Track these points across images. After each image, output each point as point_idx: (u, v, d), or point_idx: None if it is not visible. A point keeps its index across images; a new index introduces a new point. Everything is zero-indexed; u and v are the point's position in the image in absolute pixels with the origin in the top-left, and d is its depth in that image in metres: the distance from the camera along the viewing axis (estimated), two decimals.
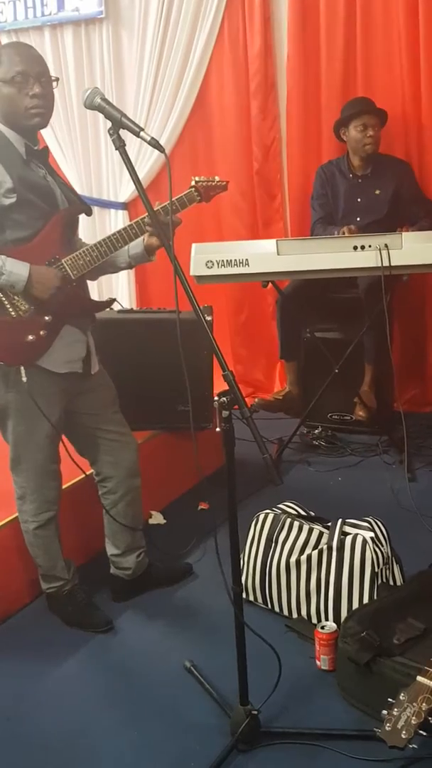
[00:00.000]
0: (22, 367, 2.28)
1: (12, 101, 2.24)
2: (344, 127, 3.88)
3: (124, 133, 1.99)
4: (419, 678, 1.84)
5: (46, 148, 2.41)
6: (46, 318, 2.29)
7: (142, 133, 1.91)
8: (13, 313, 2.25)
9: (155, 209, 2.23)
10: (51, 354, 2.33)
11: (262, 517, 2.66)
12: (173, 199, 2.37)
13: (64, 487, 2.63)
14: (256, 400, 4.19)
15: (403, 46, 3.86)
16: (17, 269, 2.20)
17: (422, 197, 3.92)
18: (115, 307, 3.46)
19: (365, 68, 4.01)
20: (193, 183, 2.51)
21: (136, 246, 2.47)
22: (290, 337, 3.99)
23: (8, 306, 2.24)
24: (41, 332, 2.29)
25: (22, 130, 2.29)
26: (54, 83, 2.30)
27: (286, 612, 2.56)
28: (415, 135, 3.98)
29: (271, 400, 4.18)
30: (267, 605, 2.60)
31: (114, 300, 2.60)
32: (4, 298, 2.24)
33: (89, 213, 2.49)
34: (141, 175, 4.30)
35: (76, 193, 2.49)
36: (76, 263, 2.32)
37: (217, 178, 2.58)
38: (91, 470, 2.66)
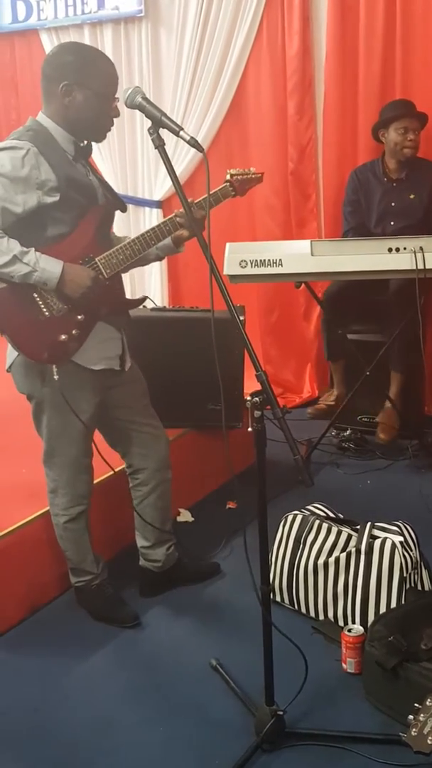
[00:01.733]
0: (53, 365, 2.30)
1: (96, 114, 2.28)
2: (384, 129, 3.85)
3: (163, 132, 2.00)
4: None
5: (90, 145, 2.42)
6: (79, 317, 2.31)
7: (181, 133, 1.93)
8: (47, 313, 2.27)
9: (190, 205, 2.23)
10: (86, 351, 2.35)
11: (290, 517, 2.66)
12: (207, 208, 2.37)
13: (96, 481, 2.65)
14: (309, 410, 4.17)
15: None
16: (50, 266, 2.21)
17: None
18: (148, 304, 3.49)
19: (404, 70, 3.97)
20: (228, 177, 2.50)
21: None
22: (335, 336, 3.97)
23: (42, 306, 2.26)
24: (74, 331, 2.31)
25: (78, 134, 2.32)
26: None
27: (312, 614, 2.56)
28: None
29: (323, 407, 4.14)
30: (294, 606, 2.60)
31: (146, 298, 2.62)
32: (38, 298, 2.25)
33: (124, 209, 2.51)
34: (177, 172, 4.31)
35: (113, 191, 2.51)
36: (110, 261, 2.33)
37: (252, 170, 2.58)
38: (120, 467, 2.68)
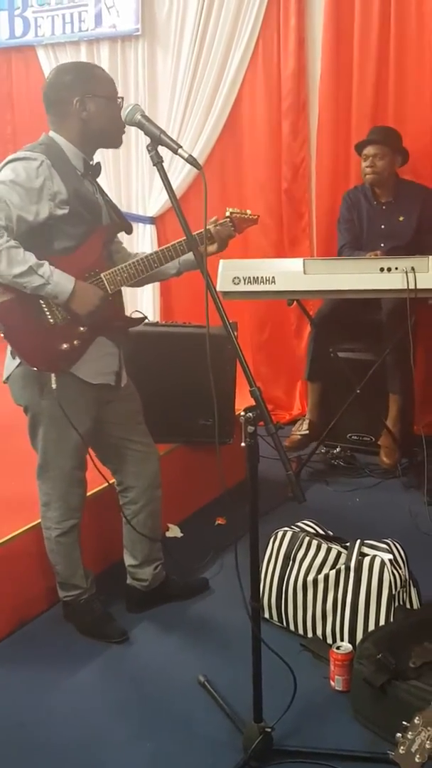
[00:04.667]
0: (52, 375, 2.31)
1: (110, 117, 2.32)
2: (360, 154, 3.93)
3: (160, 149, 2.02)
4: None
5: (99, 165, 2.46)
6: (81, 328, 2.33)
7: (180, 151, 1.95)
8: (51, 320, 2.30)
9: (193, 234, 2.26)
10: (85, 364, 2.36)
11: (280, 534, 2.66)
12: (207, 227, 2.43)
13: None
14: (286, 442, 4.09)
15: None
16: (63, 281, 2.24)
17: None
18: None
19: (396, 94, 4.02)
20: (228, 214, 2.55)
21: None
22: (320, 357, 3.98)
23: (47, 312, 2.29)
24: (75, 342, 2.33)
25: (89, 146, 2.37)
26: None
27: (301, 631, 2.55)
28: None
29: (298, 437, 4.12)
30: (282, 623, 2.60)
31: (145, 318, 2.64)
32: (44, 304, 2.28)
33: (129, 231, 2.55)
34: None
35: (120, 212, 2.55)
36: (114, 278, 2.37)
37: (249, 212, 2.64)
38: (113, 480, 2.68)
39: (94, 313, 2.32)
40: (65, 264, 2.27)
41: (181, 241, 2.39)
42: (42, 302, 2.28)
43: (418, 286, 3.15)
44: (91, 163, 2.40)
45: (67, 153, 2.33)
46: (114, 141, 2.41)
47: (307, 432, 4.08)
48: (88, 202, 2.35)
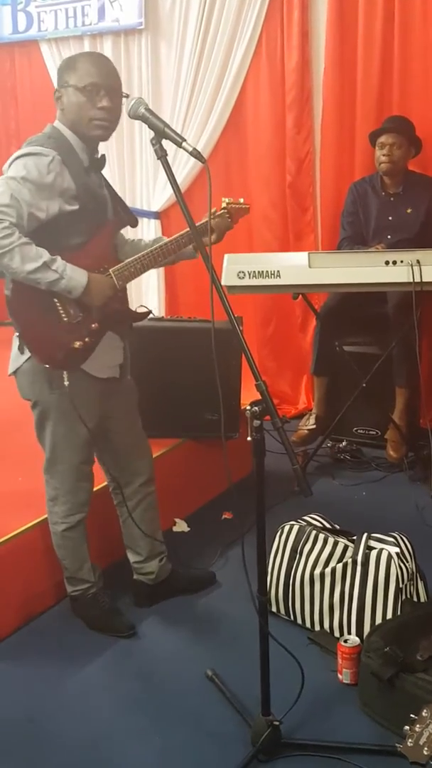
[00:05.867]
0: (65, 372, 2.31)
1: (80, 110, 2.28)
2: (373, 146, 3.90)
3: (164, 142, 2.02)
4: None
5: (103, 157, 2.44)
6: (93, 325, 2.33)
7: (184, 144, 1.94)
8: (65, 318, 2.29)
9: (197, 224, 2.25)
10: (94, 359, 2.36)
11: (287, 528, 2.67)
12: (209, 219, 2.41)
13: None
14: (293, 437, 4.09)
15: None
16: (77, 276, 2.24)
17: None
18: None
19: (401, 86, 4.00)
20: (224, 205, 2.55)
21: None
22: (326, 351, 3.97)
23: (62, 311, 2.29)
24: (87, 339, 2.33)
25: (84, 138, 2.33)
26: (123, 98, 2.33)
27: (308, 624, 2.56)
28: None
29: (305, 432, 4.11)
30: (290, 617, 2.60)
31: (150, 312, 2.64)
32: (58, 303, 2.28)
33: (134, 224, 2.53)
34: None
35: (125, 205, 2.53)
36: (122, 273, 2.36)
37: (242, 201, 2.63)
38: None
39: (108, 305, 2.33)
40: (76, 259, 2.26)
41: (183, 234, 2.38)
42: (56, 300, 2.27)
43: (424, 279, 3.14)
44: (96, 156, 2.39)
45: (73, 145, 2.31)
46: (87, 132, 2.31)
47: (314, 426, 4.08)
48: (95, 197, 2.34)
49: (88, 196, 2.30)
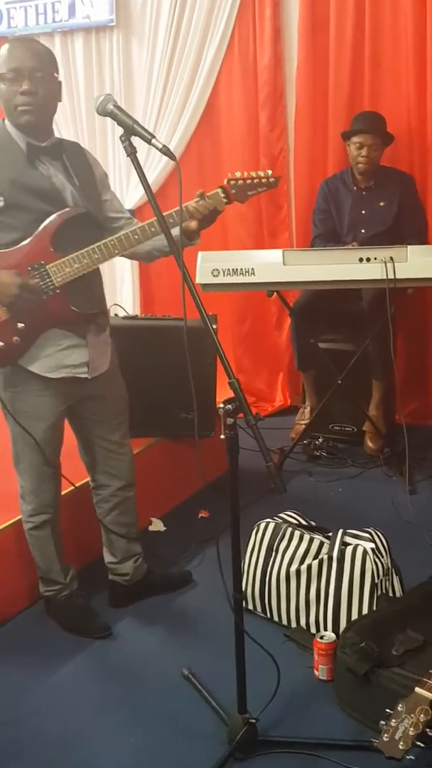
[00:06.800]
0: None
1: (5, 98, 2.22)
2: (347, 141, 3.90)
3: (135, 140, 2.00)
4: (417, 689, 1.85)
5: (57, 144, 2.34)
6: (20, 325, 2.27)
7: (153, 141, 1.93)
8: None
9: (169, 212, 2.20)
10: (40, 359, 2.32)
11: (263, 525, 2.66)
12: (188, 203, 2.29)
13: (66, 490, 2.64)
14: (291, 434, 4.11)
15: (410, 64, 3.90)
16: None
17: (416, 214, 3.91)
18: (120, 313, 3.49)
19: (373, 83, 4.03)
20: (225, 182, 2.30)
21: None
22: (306, 347, 3.98)
23: None
24: (14, 338, 2.28)
25: (19, 127, 2.26)
26: (57, 77, 2.27)
27: (285, 621, 2.56)
28: (419, 151, 4.01)
29: (302, 427, 4.11)
30: (266, 614, 2.60)
31: (98, 312, 2.44)
32: None
33: (95, 217, 2.37)
34: (149, 181, 4.32)
35: (93, 195, 2.40)
36: (62, 270, 2.25)
37: (265, 173, 2.31)
38: (82, 481, 2.68)
39: (17, 302, 2.23)
40: (7, 257, 2.22)
41: (148, 222, 2.25)
42: None
43: (397, 276, 3.16)
44: (39, 144, 2.28)
45: (11, 135, 2.26)
46: (16, 120, 2.23)
47: (310, 420, 4.08)
48: (36, 190, 2.24)
49: (21, 189, 2.22)
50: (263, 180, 2.30)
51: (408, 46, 3.89)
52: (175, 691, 2.29)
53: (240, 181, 2.29)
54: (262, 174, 2.31)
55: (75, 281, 2.28)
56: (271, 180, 2.30)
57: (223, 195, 2.29)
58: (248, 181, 2.29)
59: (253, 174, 2.30)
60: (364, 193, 3.95)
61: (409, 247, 3.26)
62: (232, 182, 2.29)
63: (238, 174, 2.29)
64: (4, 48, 2.23)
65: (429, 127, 3.92)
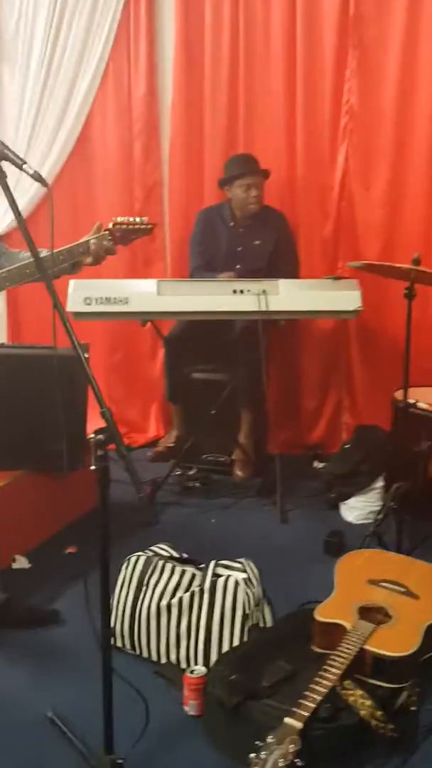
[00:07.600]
0: None
1: None
2: (229, 185, 3.97)
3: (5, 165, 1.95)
4: (286, 719, 1.85)
5: None
6: None
7: (24, 166, 1.90)
8: None
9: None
10: None
11: (133, 559, 2.61)
12: (87, 239, 2.35)
13: None
14: (149, 453, 4.11)
15: (281, 101, 4.06)
16: None
17: (289, 255, 4.03)
18: None
19: (246, 119, 4.17)
20: (110, 225, 2.44)
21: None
22: (177, 379, 3.98)
23: None
24: None
25: None
26: None
27: (155, 657, 2.50)
28: (289, 190, 4.16)
29: (162, 449, 4.10)
30: (135, 651, 2.54)
31: None
32: None
33: None
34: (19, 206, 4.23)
35: None
36: None
37: (141, 220, 2.52)
38: None
39: None
40: None
41: (25, 264, 2.27)
42: None
43: (270, 308, 3.22)
44: None
45: None
46: None
47: (173, 444, 4.07)
48: None
49: None
50: (141, 227, 2.51)
51: (279, 84, 4.06)
52: (40, 735, 2.19)
53: (123, 226, 2.46)
54: (139, 220, 2.52)
55: None
56: (148, 227, 2.52)
57: (109, 238, 2.45)
58: (130, 227, 2.48)
59: (132, 220, 2.49)
60: (241, 229, 4.02)
61: (280, 280, 3.34)
62: (117, 226, 2.45)
63: (120, 219, 2.46)
64: None
65: (298, 167, 4.09)
